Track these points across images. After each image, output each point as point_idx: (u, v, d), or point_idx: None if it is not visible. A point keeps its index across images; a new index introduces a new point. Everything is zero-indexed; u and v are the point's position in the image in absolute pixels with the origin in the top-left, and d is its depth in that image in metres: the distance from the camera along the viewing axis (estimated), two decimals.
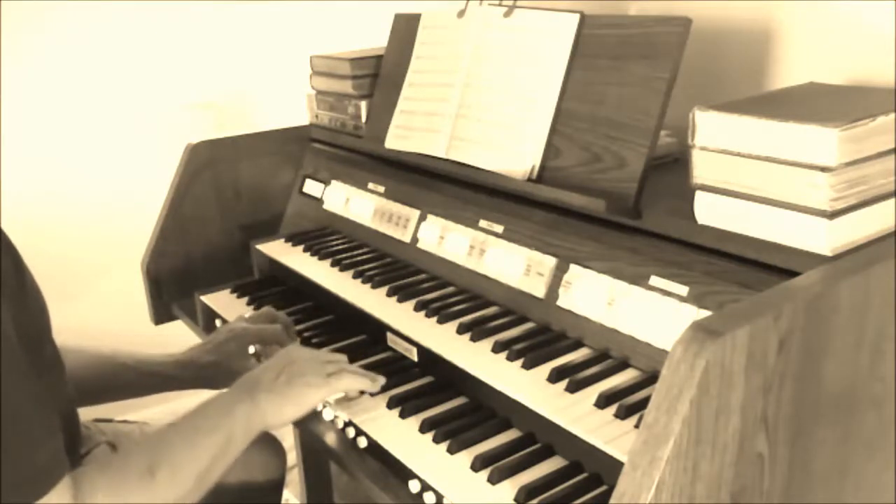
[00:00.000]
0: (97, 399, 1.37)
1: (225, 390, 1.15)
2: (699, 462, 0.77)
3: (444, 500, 1.02)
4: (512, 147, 1.34)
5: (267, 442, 1.52)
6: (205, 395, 1.33)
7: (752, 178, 1.00)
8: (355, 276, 1.49)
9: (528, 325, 1.27)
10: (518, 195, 1.35)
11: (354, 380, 1.18)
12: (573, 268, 1.23)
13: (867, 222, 0.99)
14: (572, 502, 0.99)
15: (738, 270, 1.04)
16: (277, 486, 1.58)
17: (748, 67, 1.41)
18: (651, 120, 1.18)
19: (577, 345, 1.20)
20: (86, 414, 1.37)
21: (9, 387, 0.89)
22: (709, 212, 1.06)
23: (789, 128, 0.95)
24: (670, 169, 1.35)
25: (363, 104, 1.71)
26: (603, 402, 1.05)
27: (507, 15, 1.40)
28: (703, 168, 1.04)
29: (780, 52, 1.37)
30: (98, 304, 2.67)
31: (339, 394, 1.20)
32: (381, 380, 1.21)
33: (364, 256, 1.58)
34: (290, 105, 2.24)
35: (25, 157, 2.56)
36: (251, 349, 1.43)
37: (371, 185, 1.67)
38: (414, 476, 1.06)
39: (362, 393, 1.22)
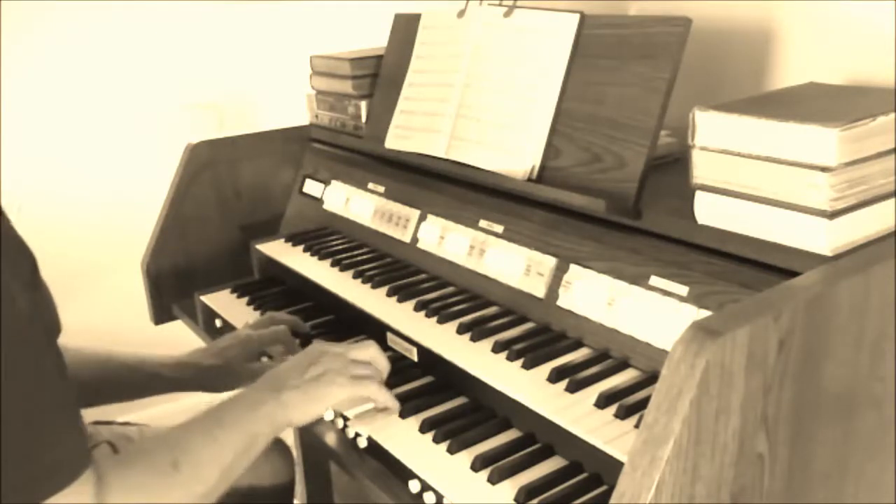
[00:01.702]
0: (95, 400, 1.36)
1: (249, 387, 1.13)
2: (699, 462, 0.76)
3: (444, 500, 1.02)
4: (512, 147, 1.34)
5: (274, 446, 1.51)
6: (205, 397, 1.32)
7: (752, 178, 1.00)
8: (355, 276, 1.49)
9: (528, 325, 1.27)
10: (518, 195, 1.34)
11: (378, 390, 1.16)
12: (573, 268, 1.23)
13: (867, 222, 0.99)
14: (572, 502, 0.99)
15: (738, 270, 1.04)
16: (287, 489, 1.57)
17: (748, 67, 1.41)
18: (651, 120, 1.18)
19: (577, 345, 1.20)
20: (85, 415, 1.36)
21: (31, 379, 0.88)
22: (709, 212, 1.06)
23: (789, 128, 0.95)
24: (670, 169, 1.35)
25: (363, 104, 1.71)
26: (603, 402, 1.05)
27: (507, 15, 1.40)
28: (703, 168, 1.04)
29: (780, 52, 1.37)
30: (98, 303, 2.67)
31: (360, 403, 1.18)
32: (398, 405, 1.18)
33: (364, 256, 1.58)
34: (290, 105, 2.24)
35: (26, 157, 2.56)
36: (263, 360, 1.42)
37: (371, 185, 1.67)
38: (414, 476, 1.06)
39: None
